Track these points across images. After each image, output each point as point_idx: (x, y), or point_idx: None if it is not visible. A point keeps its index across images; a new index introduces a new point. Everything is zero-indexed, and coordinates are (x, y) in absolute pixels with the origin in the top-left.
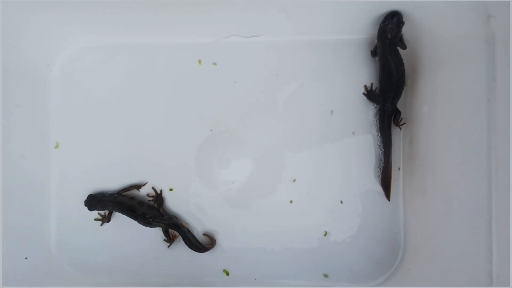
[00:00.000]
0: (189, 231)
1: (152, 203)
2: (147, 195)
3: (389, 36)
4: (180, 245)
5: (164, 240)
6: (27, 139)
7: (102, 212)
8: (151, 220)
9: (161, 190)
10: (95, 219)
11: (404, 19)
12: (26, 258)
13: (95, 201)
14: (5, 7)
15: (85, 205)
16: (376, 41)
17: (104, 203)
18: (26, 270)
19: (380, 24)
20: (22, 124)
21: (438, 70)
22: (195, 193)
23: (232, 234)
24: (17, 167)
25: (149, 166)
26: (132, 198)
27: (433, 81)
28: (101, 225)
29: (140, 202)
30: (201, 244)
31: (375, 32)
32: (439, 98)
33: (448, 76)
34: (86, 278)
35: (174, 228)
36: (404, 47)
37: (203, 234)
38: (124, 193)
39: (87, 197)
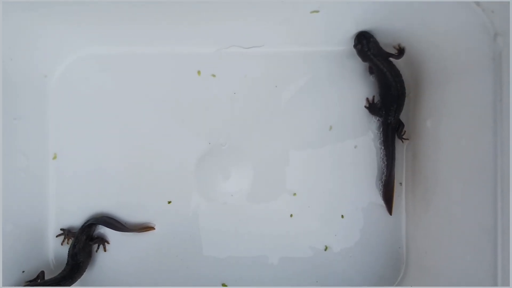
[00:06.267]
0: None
1: None
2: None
3: (370, 53)
4: (177, 259)
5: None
6: (25, 151)
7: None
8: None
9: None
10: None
11: (372, 33)
12: (23, 271)
13: None
14: (3, 18)
15: None
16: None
17: None
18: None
19: (355, 50)
20: (20, 136)
21: (443, 85)
22: (194, 206)
23: (231, 248)
24: (14, 180)
25: (148, 178)
26: None
27: (438, 95)
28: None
29: None
30: (121, 225)
31: None
32: (443, 114)
33: (453, 92)
34: None
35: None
36: (397, 57)
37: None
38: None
39: None
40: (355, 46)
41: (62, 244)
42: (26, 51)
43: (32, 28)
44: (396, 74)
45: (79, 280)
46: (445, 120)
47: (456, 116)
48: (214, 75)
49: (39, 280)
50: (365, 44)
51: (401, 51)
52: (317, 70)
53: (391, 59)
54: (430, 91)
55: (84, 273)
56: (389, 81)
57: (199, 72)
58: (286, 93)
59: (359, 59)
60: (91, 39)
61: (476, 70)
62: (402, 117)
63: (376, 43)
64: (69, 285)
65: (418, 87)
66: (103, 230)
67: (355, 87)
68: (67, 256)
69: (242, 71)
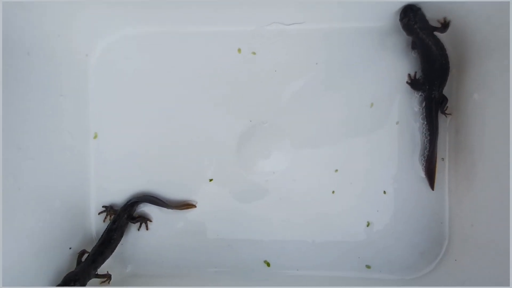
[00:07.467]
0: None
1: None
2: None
3: (416, 27)
4: (218, 237)
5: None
6: (70, 129)
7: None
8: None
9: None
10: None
11: (418, 5)
12: (70, 248)
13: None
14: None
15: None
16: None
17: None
18: (71, 261)
19: (401, 24)
20: (65, 114)
21: (491, 57)
22: (235, 184)
23: (272, 225)
24: (61, 158)
25: (189, 157)
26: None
27: (485, 68)
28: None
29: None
30: (163, 202)
31: None
32: (491, 86)
33: (503, 63)
34: (124, 269)
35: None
36: (441, 30)
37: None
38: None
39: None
40: (401, 19)
41: (104, 221)
42: (68, 30)
43: (74, 8)
44: (441, 48)
45: (119, 257)
46: (493, 93)
47: (505, 88)
48: (254, 53)
49: (82, 259)
50: (412, 17)
51: (446, 25)
52: (357, 47)
53: (435, 33)
54: (477, 64)
55: (126, 251)
56: (434, 55)
57: (239, 50)
58: (327, 70)
59: (399, 35)
60: (131, 19)
61: None
62: (445, 91)
63: (423, 16)
64: (102, 262)
65: (463, 60)
66: (145, 209)
67: (395, 63)
68: (103, 230)
69: (283, 49)
